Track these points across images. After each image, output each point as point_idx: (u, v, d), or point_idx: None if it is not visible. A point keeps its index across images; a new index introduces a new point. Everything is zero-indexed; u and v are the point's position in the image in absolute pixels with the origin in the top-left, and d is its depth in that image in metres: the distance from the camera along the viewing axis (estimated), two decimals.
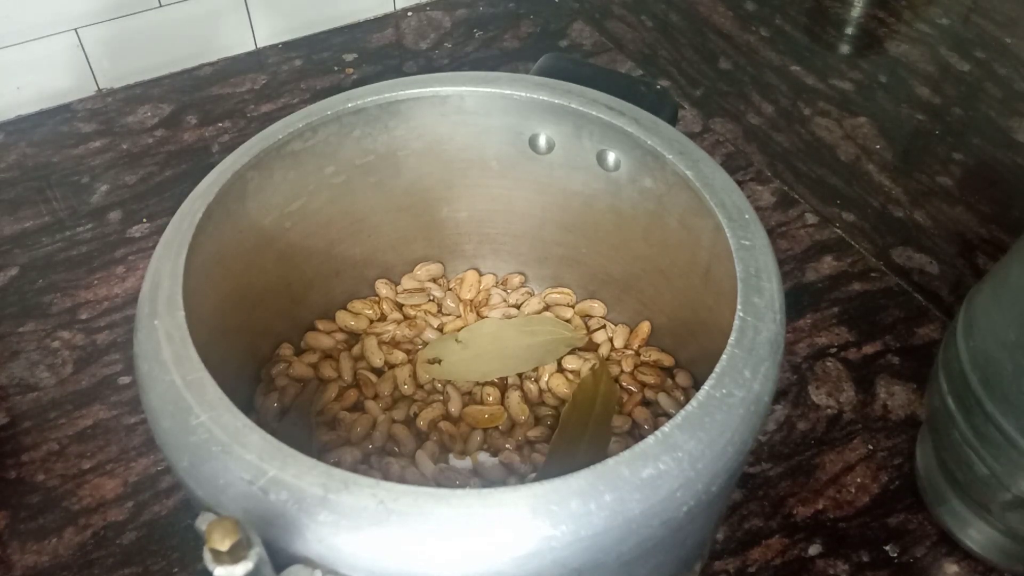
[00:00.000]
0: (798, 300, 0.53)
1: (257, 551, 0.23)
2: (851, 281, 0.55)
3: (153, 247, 0.34)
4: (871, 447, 0.46)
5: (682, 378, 0.43)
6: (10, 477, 0.45)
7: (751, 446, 0.29)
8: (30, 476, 0.45)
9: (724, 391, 0.29)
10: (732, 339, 0.30)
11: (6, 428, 0.47)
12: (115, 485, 0.44)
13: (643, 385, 0.43)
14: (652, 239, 0.41)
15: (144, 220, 0.59)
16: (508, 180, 0.44)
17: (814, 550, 0.42)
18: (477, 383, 0.44)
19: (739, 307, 0.31)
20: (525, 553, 0.25)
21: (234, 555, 0.22)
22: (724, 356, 0.30)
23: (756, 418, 0.29)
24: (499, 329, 0.45)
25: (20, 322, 0.52)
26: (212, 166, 0.37)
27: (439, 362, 0.44)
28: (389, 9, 0.77)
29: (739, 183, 0.37)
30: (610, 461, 0.27)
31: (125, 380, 0.49)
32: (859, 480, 0.45)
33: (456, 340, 0.45)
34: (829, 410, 0.48)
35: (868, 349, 0.51)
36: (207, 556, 0.23)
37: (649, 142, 0.38)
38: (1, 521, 0.43)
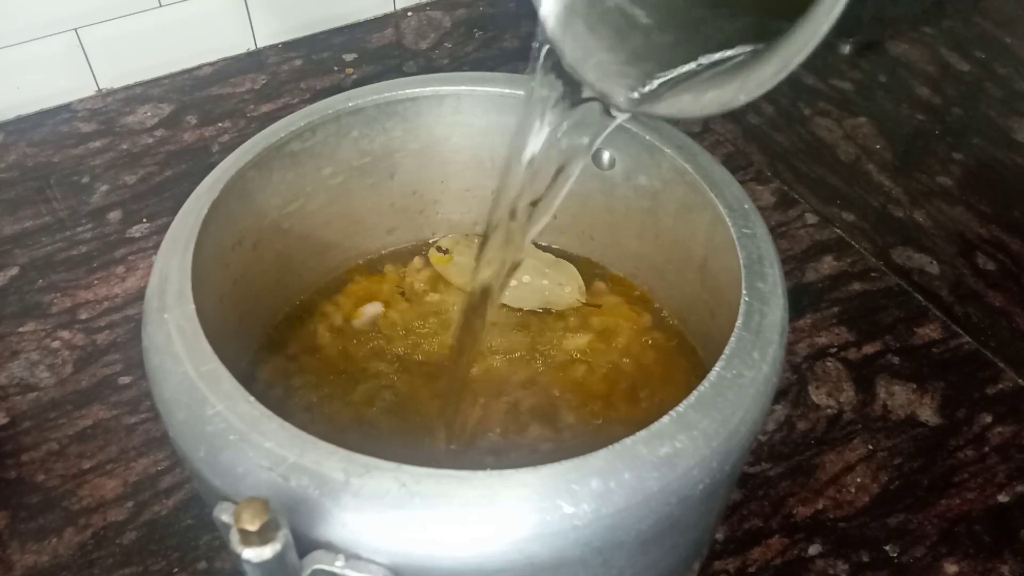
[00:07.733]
0: (798, 300, 0.53)
1: (285, 532, 0.23)
2: (851, 281, 0.55)
3: (153, 247, 0.34)
4: (871, 447, 0.46)
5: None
6: (10, 477, 0.45)
7: (761, 426, 0.30)
8: (30, 476, 0.45)
9: (735, 372, 0.29)
10: (739, 322, 0.30)
11: (6, 428, 0.47)
12: (115, 485, 0.45)
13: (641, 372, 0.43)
14: (646, 237, 0.42)
15: (144, 220, 0.58)
16: None
17: (814, 550, 0.42)
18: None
19: (744, 292, 0.32)
20: (548, 532, 0.25)
21: (263, 536, 0.22)
22: (733, 338, 0.30)
23: (766, 398, 0.30)
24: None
25: (20, 322, 0.52)
26: (212, 166, 0.37)
27: (446, 252, 0.42)
28: (389, 9, 0.77)
29: (739, 183, 0.37)
30: (627, 440, 0.27)
31: (125, 380, 0.49)
32: (859, 480, 0.45)
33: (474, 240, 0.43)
34: (829, 410, 0.48)
35: (868, 349, 0.51)
36: (234, 539, 0.22)
37: (648, 137, 0.38)
38: (1, 521, 0.43)
